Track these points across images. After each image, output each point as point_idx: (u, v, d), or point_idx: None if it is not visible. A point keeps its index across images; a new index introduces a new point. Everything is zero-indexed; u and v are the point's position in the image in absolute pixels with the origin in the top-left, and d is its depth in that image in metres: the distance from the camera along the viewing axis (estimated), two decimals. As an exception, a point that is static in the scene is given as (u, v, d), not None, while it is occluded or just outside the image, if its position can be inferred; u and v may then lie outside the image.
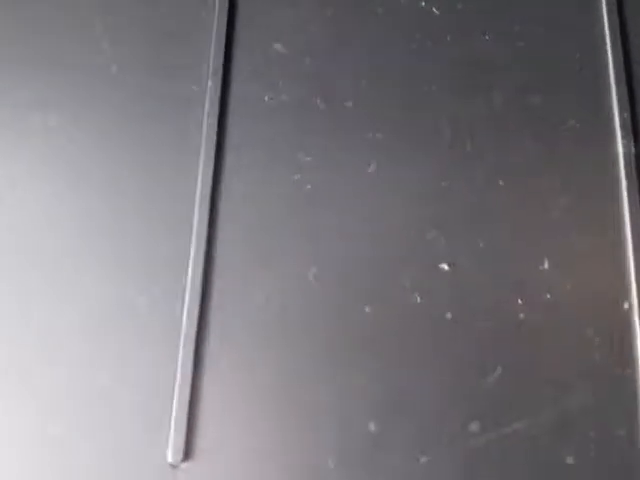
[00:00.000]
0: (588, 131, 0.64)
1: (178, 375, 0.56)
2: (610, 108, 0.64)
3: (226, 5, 0.68)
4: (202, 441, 0.55)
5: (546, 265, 0.60)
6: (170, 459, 0.54)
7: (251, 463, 0.54)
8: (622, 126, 0.63)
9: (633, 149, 0.63)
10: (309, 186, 0.62)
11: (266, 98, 0.65)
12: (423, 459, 0.55)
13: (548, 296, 0.59)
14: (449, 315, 0.58)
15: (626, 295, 0.59)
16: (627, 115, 0.63)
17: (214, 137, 0.63)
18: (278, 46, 0.67)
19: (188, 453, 0.54)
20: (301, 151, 0.63)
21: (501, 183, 0.62)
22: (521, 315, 0.58)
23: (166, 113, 0.65)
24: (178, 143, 0.63)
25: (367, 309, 0.58)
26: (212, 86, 0.65)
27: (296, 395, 0.56)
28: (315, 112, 0.65)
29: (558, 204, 0.62)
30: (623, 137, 0.63)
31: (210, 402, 0.56)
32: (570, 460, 0.54)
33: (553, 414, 0.56)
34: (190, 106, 0.65)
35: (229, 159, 0.63)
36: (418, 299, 0.59)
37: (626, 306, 0.59)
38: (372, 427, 0.55)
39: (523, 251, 0.60)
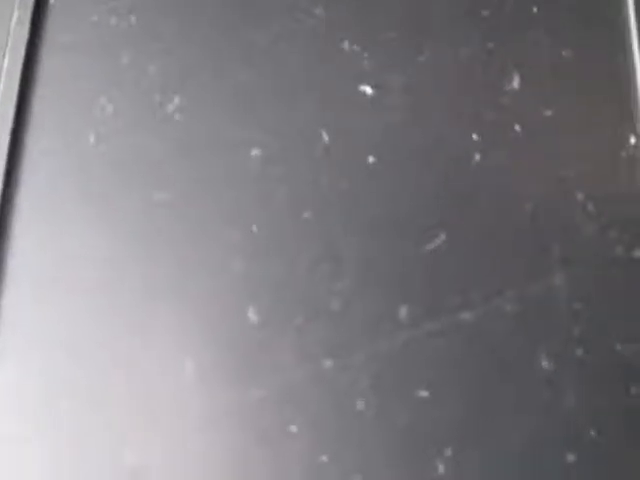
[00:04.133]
0: None
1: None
2: None
3: None
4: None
5: (515, 84, 0.41)
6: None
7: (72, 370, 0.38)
8: None
9: None
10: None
11: None
12: (328, 362, 0.37)
13: (517, 128, 0.40)
14: (371, 159, 0.40)
15: (632, 126, 0.40)
16: None
17: None
18: None
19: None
20: None
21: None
22: (476, 156, 0.40)
23: None
24: None
25: (253, 152, 0.40)
26: None
27: (132, 271, 0.39)
28: None
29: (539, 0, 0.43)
30: None
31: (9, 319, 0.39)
32: (546, 364, 0.37)
33: (518, 299, 0.38)
34: None
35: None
36: (326, 137, 0.41)
37: (632, 141, 0.40)
38: (251, 315, 0.38)
39: (481, 62, 0.41)
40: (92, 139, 0.41)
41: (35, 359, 0.38)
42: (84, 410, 0.37)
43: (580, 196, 0.39)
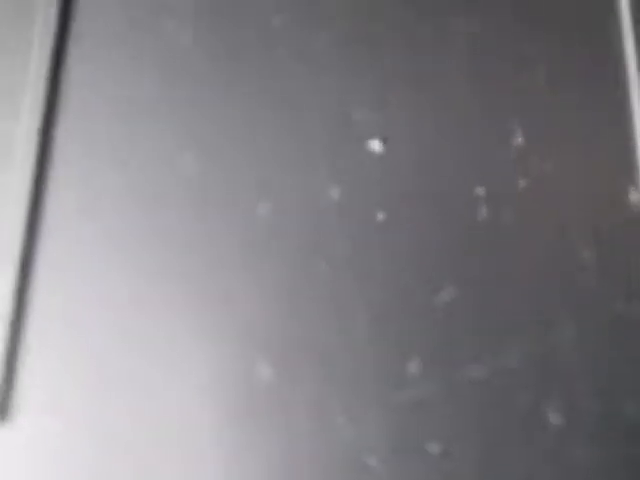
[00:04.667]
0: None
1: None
2: None
3: None
4: (24, 401, 0.39)
5: (520, 139, 0.42)
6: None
7: (85, 425, 0.39)
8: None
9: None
10: (188, 37, 0.44)
11: None
12: (340, 418, 0.38)
13: (521, 183, 0.41)
14: (380, 216, 0.41)
15: (633, 179, 0.41)
16: None
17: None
18: None
19: (4, 414, 0.39)
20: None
21: (455, 26, 0.43)
22: (483, 211, 0.41)
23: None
24: None
25: (261, 208, 0.41)
26: None
27: (148, 340, 0.40)
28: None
29: (540, 56, 0.43)
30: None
31: (35, 351, 0.39)
32: (555, 419, 0.38)
33: (526, 354, 0.39)
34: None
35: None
36: (337, 194, 0.42)
37: (634, 197, 0.41)
38: (264, 372, 0.39)
39: (487, 120, 0.42)
40: (110, 197, 0.42)
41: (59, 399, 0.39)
42: (105, 454, 0.38)
43: (584, 252, 0.40)
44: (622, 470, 0.36)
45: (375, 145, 0.42)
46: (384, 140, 0.42)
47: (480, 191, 0.41)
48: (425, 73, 0.43)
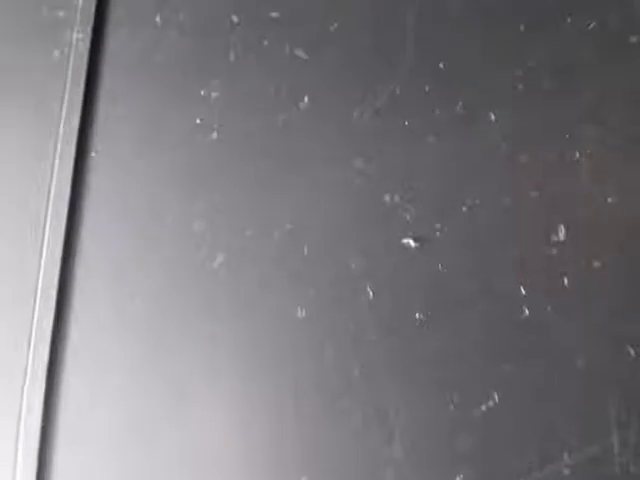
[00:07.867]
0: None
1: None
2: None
3: None
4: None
5: (561, 236, 0.41)
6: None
7: None
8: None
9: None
10: (214, 133, 0.44)
11: (158, 19, 0.46)
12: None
13: (565, 282, 0.40)
14: (418, 315, 0.40)
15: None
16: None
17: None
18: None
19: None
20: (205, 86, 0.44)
21: (492, 116, 0.42)
22: (525, 311, 0.39)
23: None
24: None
25: (299, 312, 0.40)
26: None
27: (176, 419, 0.38)
28: (227, 30, 0.46)
29: (581, 143, 0.42)
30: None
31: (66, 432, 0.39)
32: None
33: (576, 464, 0.37)
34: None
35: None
36: (371, 293, 0.40)
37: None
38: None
39: (527, 216, 0.40)
40: (137, 301, 0.41)
41: None
42: None
43: (631, 351, 0.38)
44: None
45: (409, 241, 0.40)
46: (419, 237, 0.40)
47: (522, 291, 0.39)
48: (460, 167, 0.42)
